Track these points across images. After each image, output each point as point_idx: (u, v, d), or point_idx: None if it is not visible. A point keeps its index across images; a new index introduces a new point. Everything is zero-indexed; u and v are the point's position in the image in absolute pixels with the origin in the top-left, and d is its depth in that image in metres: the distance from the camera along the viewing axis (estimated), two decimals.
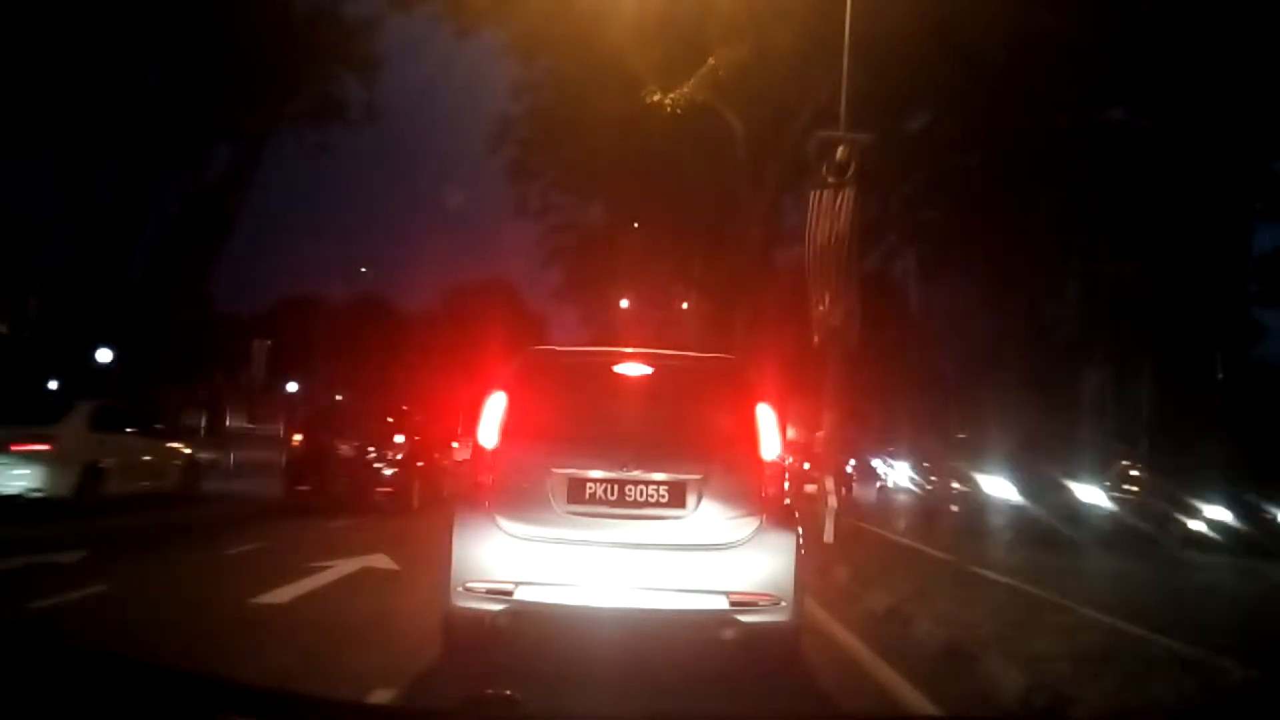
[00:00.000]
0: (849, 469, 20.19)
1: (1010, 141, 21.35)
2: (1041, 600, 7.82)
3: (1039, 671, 5.19)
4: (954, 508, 16.13)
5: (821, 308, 12.27)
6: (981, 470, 15.71)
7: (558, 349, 6.33)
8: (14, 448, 11.89)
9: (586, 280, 37.61)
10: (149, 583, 7.77)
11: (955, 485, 16.58)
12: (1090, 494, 14.78)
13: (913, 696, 5.15)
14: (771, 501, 5.17)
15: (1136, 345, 25.05)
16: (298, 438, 15.71)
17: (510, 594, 4.93)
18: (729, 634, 5.00)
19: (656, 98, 17.20)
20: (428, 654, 5.34)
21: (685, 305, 34.42)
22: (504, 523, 5.02)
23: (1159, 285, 22.67)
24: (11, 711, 1.68)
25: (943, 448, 20.80)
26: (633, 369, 5.59)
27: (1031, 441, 18.39)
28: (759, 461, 5.20)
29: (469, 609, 5.00)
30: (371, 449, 14.76)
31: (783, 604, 4.98)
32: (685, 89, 17.01)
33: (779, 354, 18.14)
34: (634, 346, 6.00)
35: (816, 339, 12.42)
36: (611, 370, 5.60)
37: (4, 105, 23.45)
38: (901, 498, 21.34)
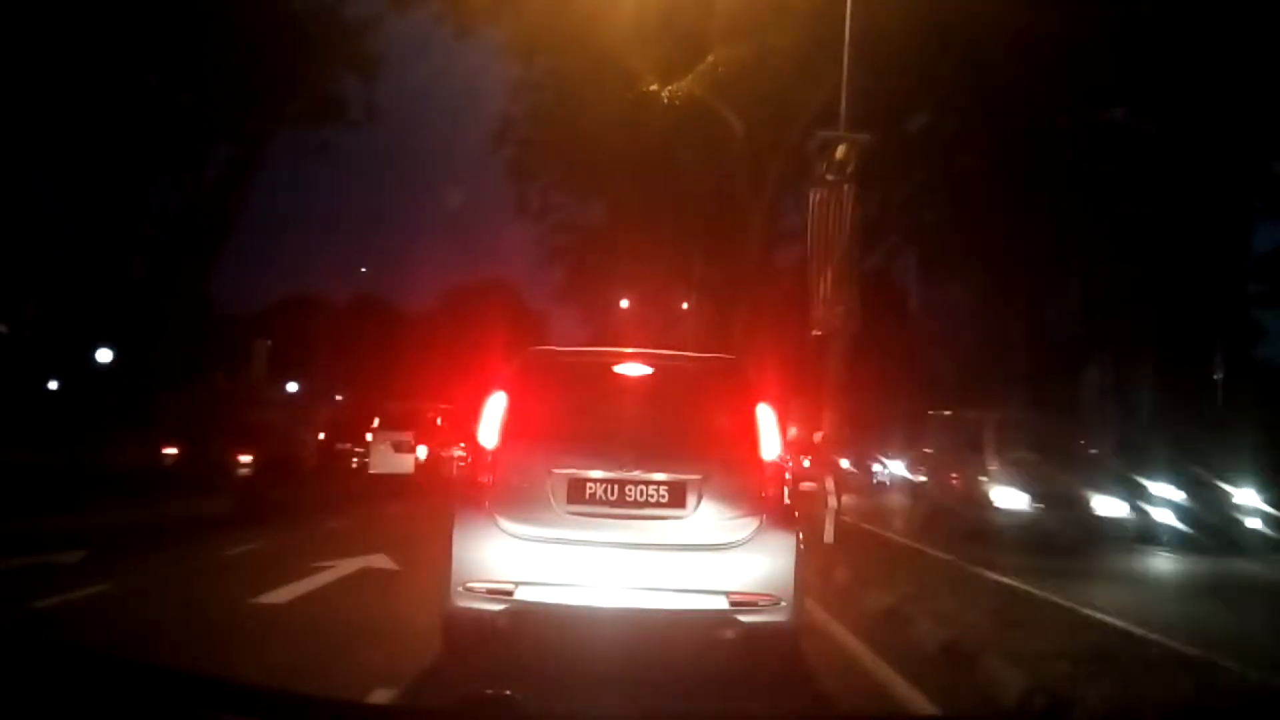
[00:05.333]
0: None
1: (1010, 142, 21.35)
2: (1041, 600, 7.83)
3: (1039, 671, 5.19)
4: None
5: (821, 307, 12.27)
6: None
7: (558, 349, 6.32)
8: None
9: (586, 280, 37.58)
10: (149, 583, 7.77)
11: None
12: None
13: (913, 696, 5.15)
14: (771, 501, 5.17)
15: (1136, 345, 25.05)
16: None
17: (510, 594, 4.93)
18: (729, 634, 5.00)
19: (654, 87, 17.20)
20: (428, 654, 5.34)
21: (685, 305, 34.39)
22: (504, 523, 5.02)
23: (1159, 285, 22.68)
24: (12, 711, 1.68)
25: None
26: (633, 369, 5.59)
27: None
28: (759, 461, 5.20)
29: (469, 609, 5.00)
30: None
31: (783, 604, 4.98)
32: (684, 82, 17.02)
33: (779, 354, 18.15)
34: (634, 347, 6.00)
35: (815, 331, 12.43)
36: (611, 371, 5.60)
37: (4, 105, 23.44)
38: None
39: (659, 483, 5.07)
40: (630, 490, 5.06)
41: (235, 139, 28.18)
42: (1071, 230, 24.99)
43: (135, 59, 25.38)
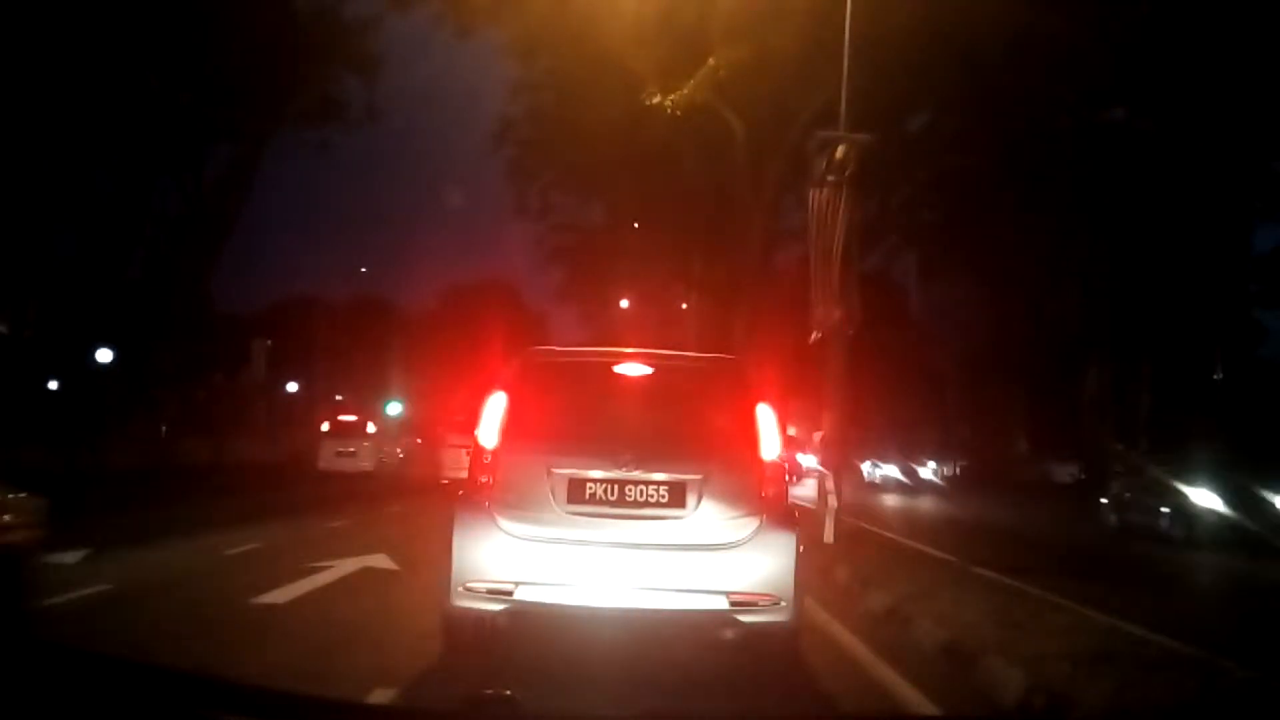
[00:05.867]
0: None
1: (1010, 142, 21.35)
2: (1041, 600, 7.82)
3: (1039, 671, 5.19)
4: None
5: (821, 308, 12.27)
6: None
7: (558, 349, 6.33)
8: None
9: (586, 280, 37.60)
10: (149, 583, 7.77)
11: None
12: None
13: (913, 696, 5.14)
14: (771, 501, 5.17)
15: (1136, 345, 25.06)
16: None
17: (510, 594, 4.93)
18: (729, 634, 5.00)
19: (657, 99, 17.19)
20: (428, 654, 5.34)
21: (685, 305, 34.39)
22: (504, 523, 5.02)
23: (1159, 285, 22.69)
24: (12, 711, 1.68)
25: None
26: (633, 369, 5.58)
27: None
28: (759, 461, 5.19)
29: (469, 609, 5.00)
30: None
31: (783, 604, 4.97)
32: (685, 90, 17.01)
33: (779, 354, 18.16)
34: (634, 346, 6.00)
35: (814, 335, 12.42)
36: (611, 370, 5.59)
37: (5, 105, 23.45)
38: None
39: (659, 483, 5.07)
40: (630, 490, 5.06)
41: (235, 139, 28.20)
42: (1071, 230, 25.01)
43: (135, 59, 25.38)
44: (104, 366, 27.46)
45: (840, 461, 12.74)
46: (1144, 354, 25.13)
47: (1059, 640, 6.04)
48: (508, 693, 2.04)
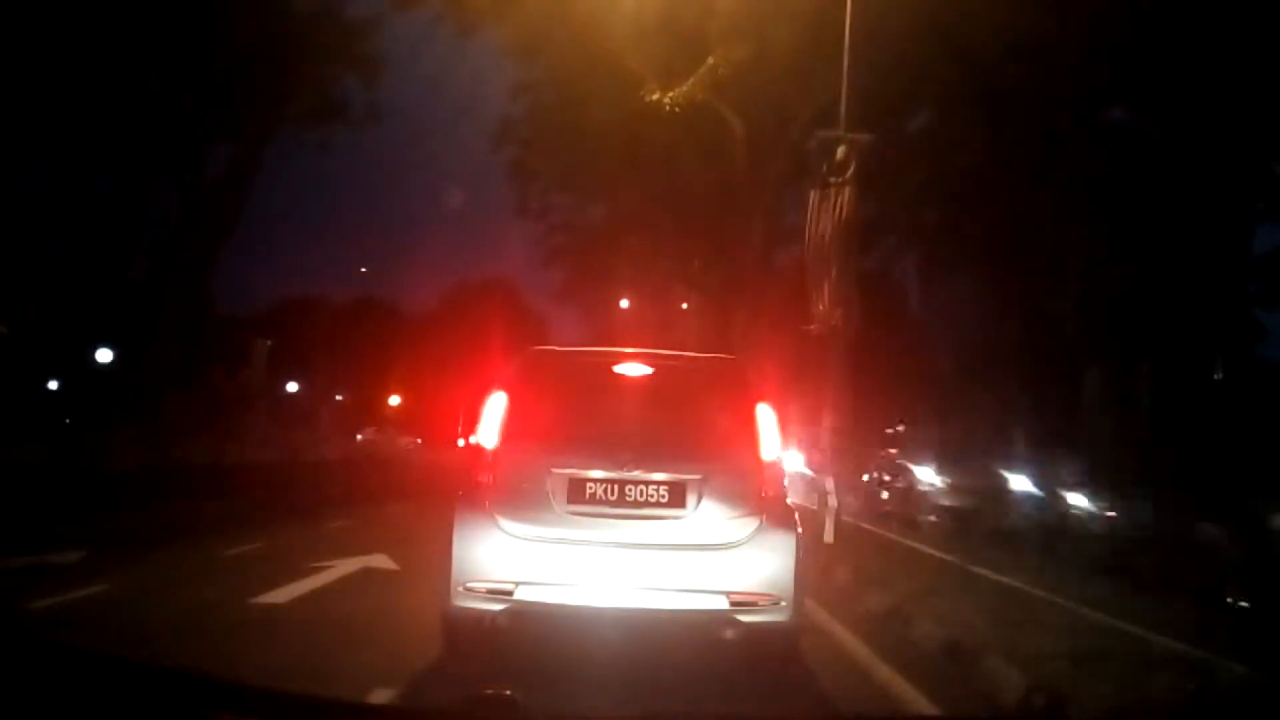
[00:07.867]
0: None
1: (1010, 142, 21.35)
2: (1041, 600, 7.82)
3: (1039, 671, 5.19)
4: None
5: (820, 307, 12.28)
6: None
7: (558, 349, 6.33)
8: None
9: (586, 280, 37.59)
10: (149, 583, 7.77)
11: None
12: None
13: (913, 696, 5.15)
14: (771, 501, 5.17)
15: (1136, 345, 25.04)
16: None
17: (510, 594, 4.93)
18: (729, 634, 5.00)
19: (655, 96, 17.20)
20: (428, 654, 5.35)
21: (685, 305, 34.38)
22: (504, 523, 5.02)
23: (1159, 285, 22.69)
24: (12, 711, 1.68)
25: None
26: (633, 369, 5.59)
27: None
28: (759, 461, 5.20)
29: (469, 609, 5.00)
30: None
31: (783, 604, 4.98)
32: (685, 88, 17.01)
33: (779, 354, 18.17)
34: (634, 346, 6.00)
35: (813, 327, 12.42)
36: (611, 370, 5.60)
37: (4, 106, 23.44)
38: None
39: (659, 482, 5.07)
40: (630, 490, 5.06)
41: (235, 139, 28.16)
42: (1072, 230, 24.98)
43: (135, 59, 25.36)
44: (104, 366, 27.47)
45: (837, 464, 12.73)
46: (1144, 354, 25.09)
47: (1059, 640, 6.04)
48: (508, 693, 2.04)
